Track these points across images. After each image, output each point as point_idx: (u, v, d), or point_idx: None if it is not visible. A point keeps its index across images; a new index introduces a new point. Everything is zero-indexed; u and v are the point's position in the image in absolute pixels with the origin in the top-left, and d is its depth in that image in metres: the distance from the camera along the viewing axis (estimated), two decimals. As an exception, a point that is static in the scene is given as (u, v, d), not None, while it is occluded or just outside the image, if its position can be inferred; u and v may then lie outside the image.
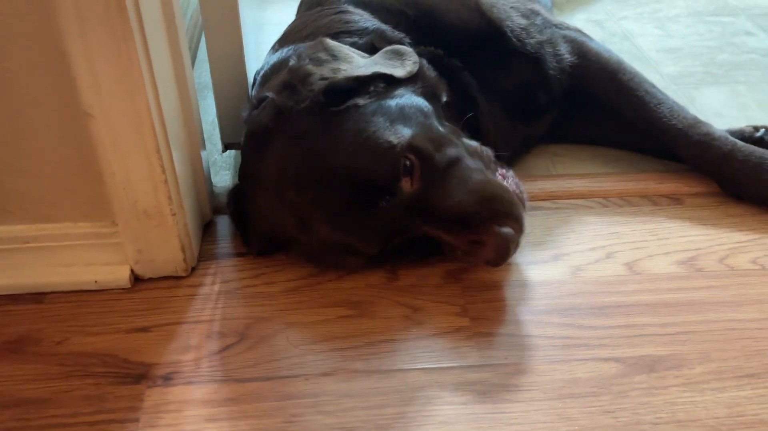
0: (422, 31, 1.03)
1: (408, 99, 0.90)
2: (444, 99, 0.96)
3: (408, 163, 0.84)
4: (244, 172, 0.94)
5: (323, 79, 0.87)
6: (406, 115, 0.87)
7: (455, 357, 0.81)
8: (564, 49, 1.10)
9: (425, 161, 0.85)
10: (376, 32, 1.00)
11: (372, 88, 0.88)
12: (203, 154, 0.95)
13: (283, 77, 0.90)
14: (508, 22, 1.06)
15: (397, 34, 1.02)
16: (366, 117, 0.85)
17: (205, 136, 1.00)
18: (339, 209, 0.84)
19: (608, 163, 1.16)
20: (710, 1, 1.75)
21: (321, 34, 1.00)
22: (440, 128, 0.90)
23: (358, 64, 0.91)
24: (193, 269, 0.93)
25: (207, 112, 1.26)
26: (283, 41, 1.05)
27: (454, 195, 0.84)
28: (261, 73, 1.02)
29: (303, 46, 0.96)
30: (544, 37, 1.08)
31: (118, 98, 0.74)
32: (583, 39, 1.12)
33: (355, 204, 0.84)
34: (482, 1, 1.06)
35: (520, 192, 0.91)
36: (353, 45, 0.98)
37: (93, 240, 0.88)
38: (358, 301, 0.89)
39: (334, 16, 1.04)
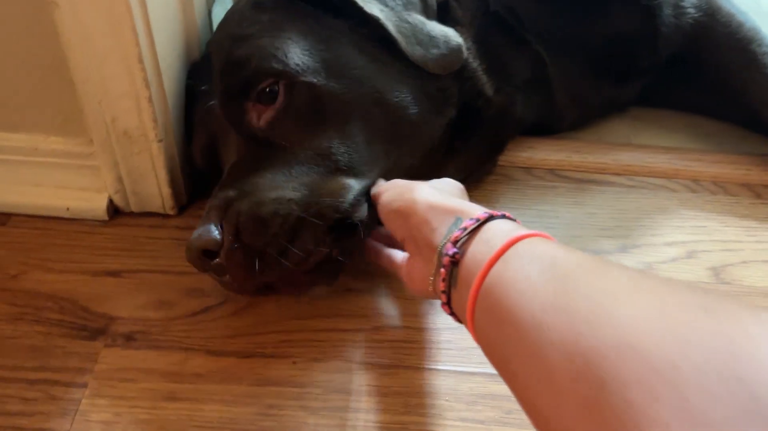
0: None
1: (375, 57, 0.67)
2: (452, 115, 0.72)
3: (273, 88, 0.63)
4: None
5: None
6: (340, 63, 0.65)
7: (480, 360, 0.64)
8: (689, 1, 0.85)
9: (293, 112, 0.63)
10: None
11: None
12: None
13: None
14: None
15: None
16: (295, 18, 0.66)
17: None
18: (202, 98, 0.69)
19: (702, 137, 0.94)
20: None
21: None
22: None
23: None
24: (183, 208, 0.78)
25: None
26: None
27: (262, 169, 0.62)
28: None
29: None
30: None
31: (87, -17, 0.58)
32: None
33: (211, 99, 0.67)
34: None
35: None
36: None
37: (66, 159, 0.74)
38: (373, 272, 0.73)
39: None
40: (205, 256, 0.59)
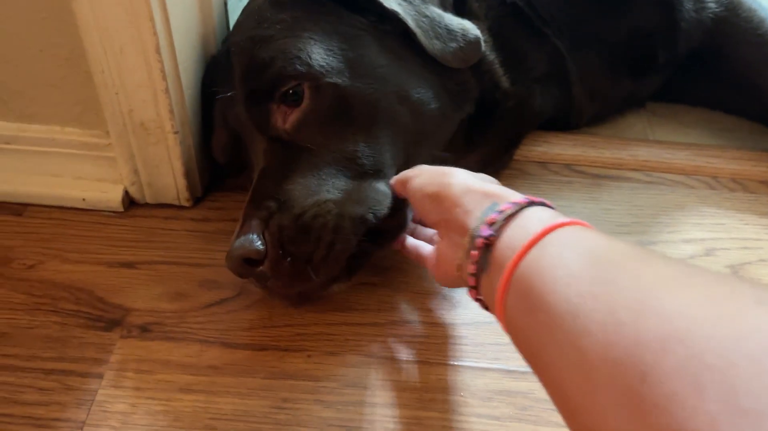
0: None
1: (397, 53, 0.66)
2: (470, 109, 0.72)
3: (298, 89, 0.62)
4: None
5: None
6: (363, 62, 0.64)
7: (496, 356, 0.65)
8: None
9: (318, 114, 0.62)
10: None
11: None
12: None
13: None
14: None
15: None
16: (316, 16, 0.65)
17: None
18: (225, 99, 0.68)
19: (721, 133, 0.93)
20: None
21: None
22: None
23: None
24: (198, 200, 0.78)
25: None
26: None
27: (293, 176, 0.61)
28: None
29: None
30: None
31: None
32: None
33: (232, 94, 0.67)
34: None
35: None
36: None
37: (83, 150, 0.74)
38: (388, 266, 0.73)
39: None
40: (246, 264, 0.59)
